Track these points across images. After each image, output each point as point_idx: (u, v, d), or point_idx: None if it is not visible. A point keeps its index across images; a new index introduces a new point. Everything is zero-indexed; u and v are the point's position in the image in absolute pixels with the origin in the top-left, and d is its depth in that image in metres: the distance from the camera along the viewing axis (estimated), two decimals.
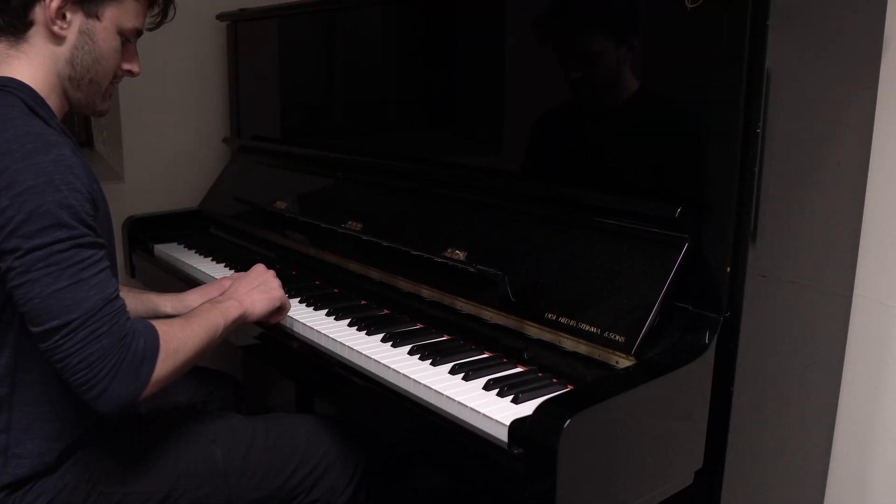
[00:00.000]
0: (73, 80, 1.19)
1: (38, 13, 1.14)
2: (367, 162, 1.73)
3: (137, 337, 1.05)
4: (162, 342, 1.08)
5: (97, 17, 1.17)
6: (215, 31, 2.28)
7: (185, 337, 1.13)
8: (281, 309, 1.37)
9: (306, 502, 1.34)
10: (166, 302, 1.46)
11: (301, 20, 2.00)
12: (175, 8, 1.31)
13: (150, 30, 1.30)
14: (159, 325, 1.10)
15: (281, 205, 1.86)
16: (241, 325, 1.29)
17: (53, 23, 1.14)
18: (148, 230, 2.08)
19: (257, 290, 1.34)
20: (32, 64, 1.16)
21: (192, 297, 1.46)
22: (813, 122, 1.21)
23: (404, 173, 1.62)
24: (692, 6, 1.10)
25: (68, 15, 1.15)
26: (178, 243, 2.02)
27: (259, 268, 1.41)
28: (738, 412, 1.16)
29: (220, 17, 2.23)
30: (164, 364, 1.07)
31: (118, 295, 1.06)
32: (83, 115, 2.38)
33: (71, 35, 1.16)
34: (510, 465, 0.97)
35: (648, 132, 1.20)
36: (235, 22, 2.20)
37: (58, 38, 1.16)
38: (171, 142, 2.27)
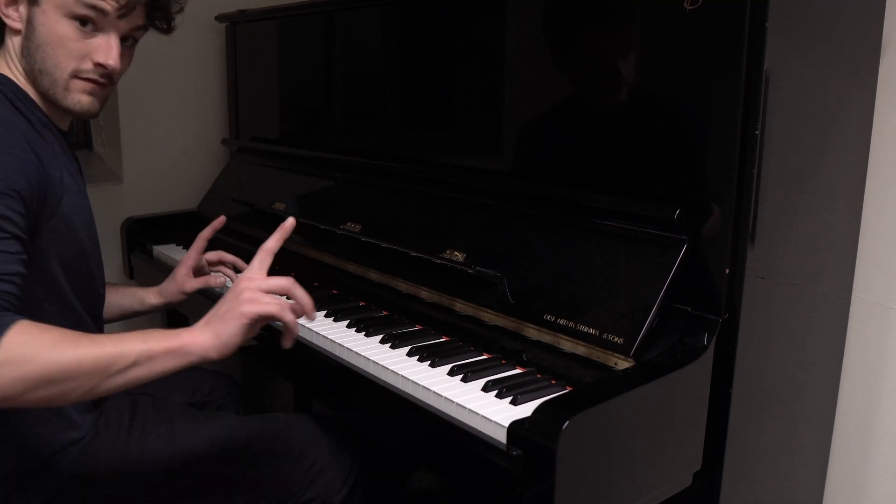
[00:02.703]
0: (31, 74, 1.14)
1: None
2: (365, 163, 1.73)
3: None
4: (5, 343, 0.87)
5: (37, 3, 1.11)
6: (214, 32, 2.28)
7: (51, 348, 0.90)
8: (286, 323, 1.09)
9: (302, 501, 1.34)
10: (150, 293, 1.48)
11: (300, 21, 1.99)
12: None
13: (156, 27, 1.26)
14: (28, 327, 0.90)
15: (280, 206, 1.86)
16: (203, 360, 1.02)
17: (6, 14, 1.13)
18: (147, 231, 2.08)
19: (218, 315, 1.03)
20: (5, 59, 1.15)
21: (168, 284, 1.49)
22: (812, 123, 1.21)
23: (403, 174, 1.62)
24: (691, 8, 1.10)
25: (20, 5, 1.12)
26: (177, 244, 2.02)
27: (236, 284, 1.06)
28: (736, 414, 1.16)
29: (220, 18, 2.22)
30: (1, 369, 0.87)
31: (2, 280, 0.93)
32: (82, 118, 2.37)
33: (24, 25, 1.13)
34: (509, 466, 0.97)
35: (647, 133, 1.20)
36: (234, 23, 2.20)
37: (15, 30, 1.14)
38: (169, 143, 2.27)
